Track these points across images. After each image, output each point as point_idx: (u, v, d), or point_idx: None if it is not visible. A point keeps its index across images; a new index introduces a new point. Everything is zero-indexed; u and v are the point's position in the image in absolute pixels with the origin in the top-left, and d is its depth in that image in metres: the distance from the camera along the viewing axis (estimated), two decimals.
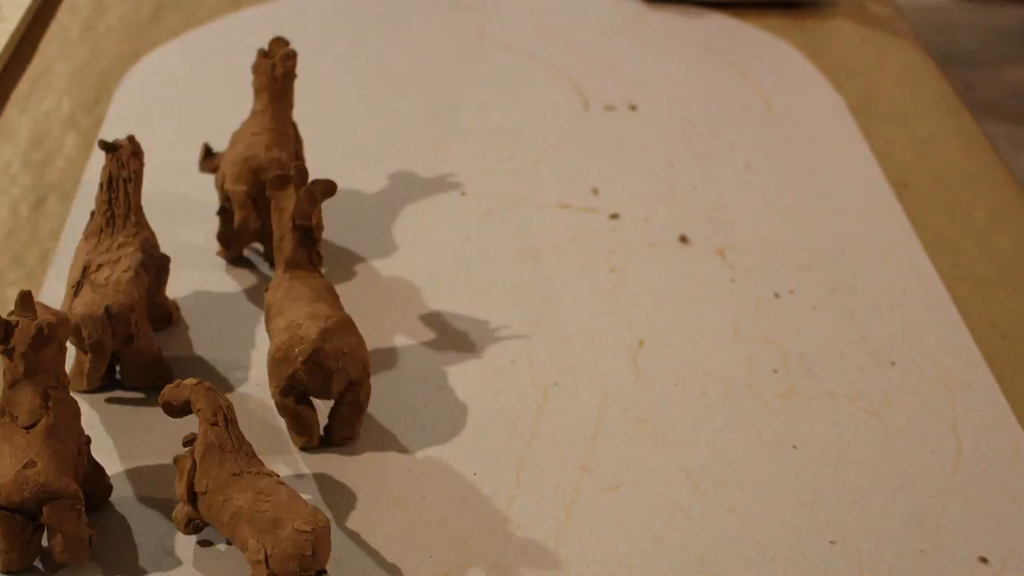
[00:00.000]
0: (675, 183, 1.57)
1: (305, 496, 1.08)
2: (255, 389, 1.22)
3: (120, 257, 1.20)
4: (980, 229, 1.51)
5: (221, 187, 1.35)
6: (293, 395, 1.14)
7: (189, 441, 1.04)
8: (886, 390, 1.26)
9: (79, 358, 1.20)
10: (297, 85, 1.42)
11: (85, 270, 1.19)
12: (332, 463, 1.15)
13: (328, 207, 1.36)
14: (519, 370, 1.26)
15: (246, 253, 1.39)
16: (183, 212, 1.45)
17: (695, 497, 1.13)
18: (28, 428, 1.02)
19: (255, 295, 1.34)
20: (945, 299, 1.39)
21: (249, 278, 1.36)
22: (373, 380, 1.20)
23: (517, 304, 1.35)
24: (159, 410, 1.11)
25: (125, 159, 1.23)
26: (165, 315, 1.28)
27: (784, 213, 1.52)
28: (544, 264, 1.42)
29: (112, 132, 1.57)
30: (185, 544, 1.06)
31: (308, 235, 1.20)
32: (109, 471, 1.11)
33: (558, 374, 1.26)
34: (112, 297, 1.17)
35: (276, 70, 1.39)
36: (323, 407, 1.17)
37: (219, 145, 1.43)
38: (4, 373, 1.05)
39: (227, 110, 1.58)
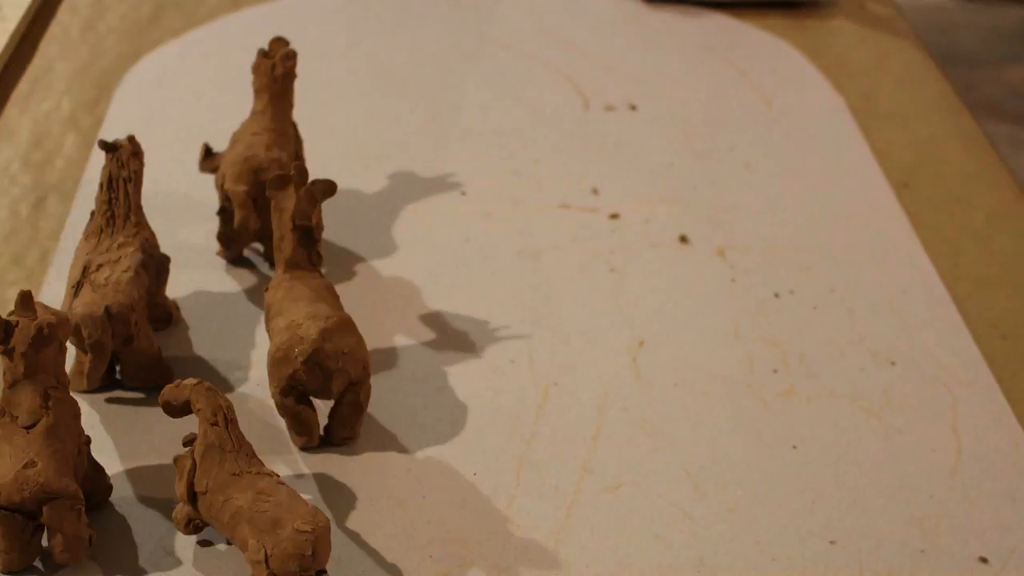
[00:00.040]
0: (675, 183, 1.57)
1: (305, 496, 1.08)
2: (255, 389, 1.22)
3: (120, 257, 1.20)
4: (980, 229, 1.51)
5: (221, 187, 1.35)
6: (293, 395, 1.14)
7: (189, 441, 1.04)
8: (886, 390, 1.26)
9: (79, 358, 1.20)
10: (297, 85, 1.42)
11: (85, 270, 1.19)
12: (332, 463, 1.15)
13: (328, 207, 1.36)
14: (519, 370, 1.26)
15: (246, 253, 1.39)
16: (183, 212, 1.45)
17: (695, 497, 1.13)
18: (28, 428, 1.02)
19: (255, 295, 1.34)
20: (945, 299, 1.39)
21: (249, 278, 1.36)
22: (373, 380, 1.20)
23: (517, 304, 1.35)
24: (159, 410, 1.11)
25: (125, 159, 1.23)
26: (165, 315, 1.28)
27: (784, 213, 1.52)
28: (544, 264, 1.42)
29: (112, 132, 1.57)
30: (185, 544, 1.06)
31: (308, 235, 1.20)
32: (109, 471, 1.11)
33: (558, 374, 1.26)
34: (112, 297, 1.16)
35: (276, 70, 1.39)
36: (323, 407, 1.17)
37: (219, 145, 1.43)
38: (4, 373, 1.04)
39: (227, 110, 1.58)
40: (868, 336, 1.33)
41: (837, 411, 1.23)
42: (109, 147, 1.23)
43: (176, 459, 1.05)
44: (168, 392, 1.06)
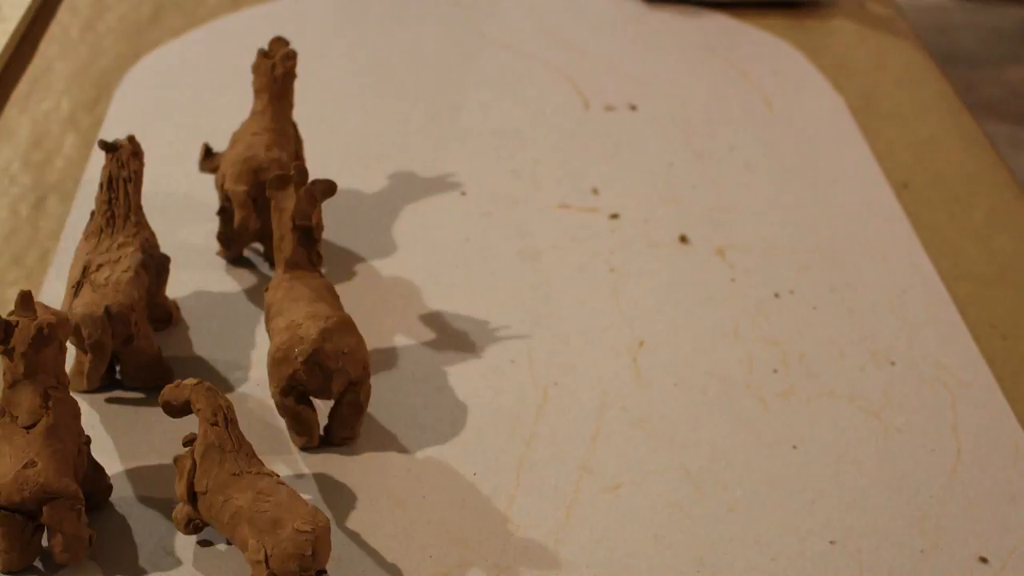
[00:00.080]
0: (675, 183, 1.57)
1: (305, 496, 1.08)
2: (255, 389, 1.22)
3: (120, 257, 1.20)
4: (980, 229, 1.51)
5: (221, 187, 1.35)
6: (293, 395, 1.14)
7: (189, 441, 1.04)
8: (886, 390, 1.26)
9: (79, 358, 1.20)
10: (297, 85, 1.42)
11: (85, 270, 1.19)
12: (332, 463, 1.15)
13: (328, 207, 1.36)
14: (519, 370, 1.26)
15: (246, 253, 1.39)
16: (183, 212, 1.45)
17: (695, 497, 1.13)
18: (28, 428, 1.02)
19: (255, 295, 1.34)
20: (945, 299, 1.39)
21: (249, 278, 1.36)
22: (373, 380, 1.20)
23: (517, 304, 1.35)
24: (159, 410, 1.11)
25: (125, 159, 1.23)
26: (165, 315, 1.28)
27: (784, 213, 1.52)
28: (544, 264, 1.42)
29: (112, 132, 1.57)
30: (185, 544, 1.06)
31: (308, 235, 1.20)
32: (109, 471, 1.11)
33: (558, 374, 1.26)
34: (112, 297, 1.16)
35: (276, 70, 1.39)
36: (324, 407, 1.17)
37: (219, 145, 1.43)
38: (4, 373, 1.04)
39: (227, 110, 1.58)
40: (868, 336, 1.33)
41: (837, 411, 1.23)
42: (109, 147, 1.23)
43: (176, 459, 1.05)
44: (168, 392, 1.06)
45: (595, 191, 1.54)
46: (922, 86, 1.81)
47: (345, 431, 1.16)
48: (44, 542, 1.05)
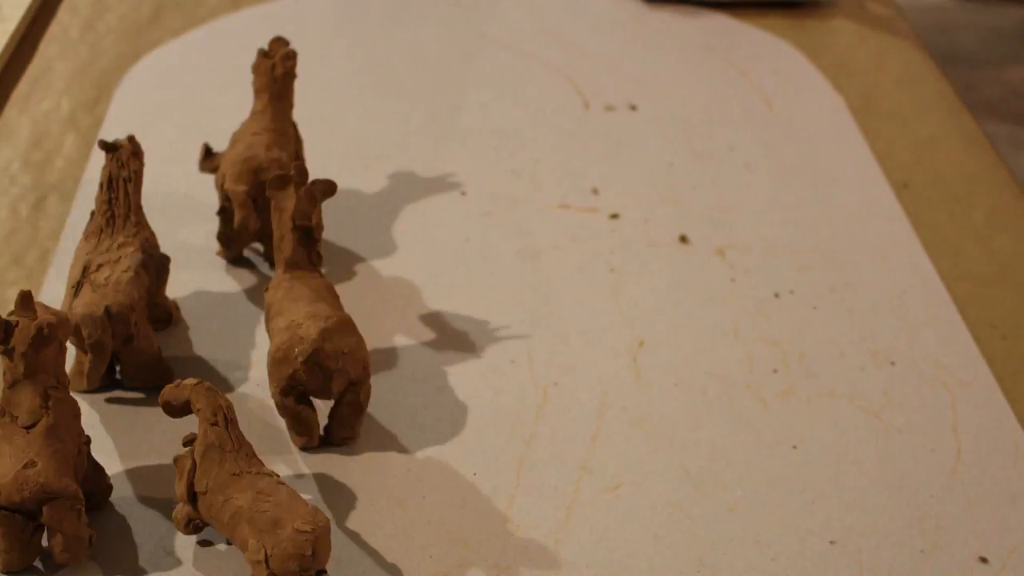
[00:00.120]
0: (675, 183, 1.57)
1: (305, 496, 1.08)
2: (255, 389, 1.22)
3: (120, 257, 1.21)
4: (980, 229, 1.51)
5: (221, 187, 1.35)
6: (293, 395, 1.14)
7: (189, 441, 1.04)
8: (886, 390, 1.26)
9: (79, 358, 1.20)
10: (297, 85, 1.42)
11: (85, 270, 1.19)
12: (332, 463, 1.15)
13: (328, 207, 1.36)
14: (519, 370, 1.26)
15: (246, 253, 1.39)
16: (183, 212, 1.45)
17: (695, 497, 1.13)
18: (28, 428, 1.02)
19: (255, 295, 1.34)
20: (945, 299, 1.39)
21: (249, 278, 1.36)
22: (373, 380, 1.20)
23: (517, 304, 1.35)
24: (159, 410, 1.11)
25: (125, 159, 1.23)
26: (165, 315, 1.28)
27: (784, 213, 1.52)
28: (544, 264, 1.42)
29: (112, 132, 1.57)
30: (185, 544, 1.06)
31: (308, 235, 1.20)
32: (109, 471, 1.11)
33: (558, 374, 1.26)
34: (112, 297, 1.17)
35: (276, 70, 1.39)
36: (323, 407, 1.17)
37: (219, 145, 1.43)
38: (4, 373, 1.05)
39: (227, 110, 1.58)
40: (868, 336, 1.33)
41: (837, 411, 1.23)
42: (109, 147, 1.23)
43: (176, 459, 1.05)
44: (168, 392, 1.06)
45: (595, 191, 1.54)
46: (922, 86, 1.81)
47: (345, 431, 1.16)
48: (44, 542, 1.05)
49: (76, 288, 1.19)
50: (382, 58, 1.81)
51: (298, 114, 1.44)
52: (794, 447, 1.19)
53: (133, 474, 1.13)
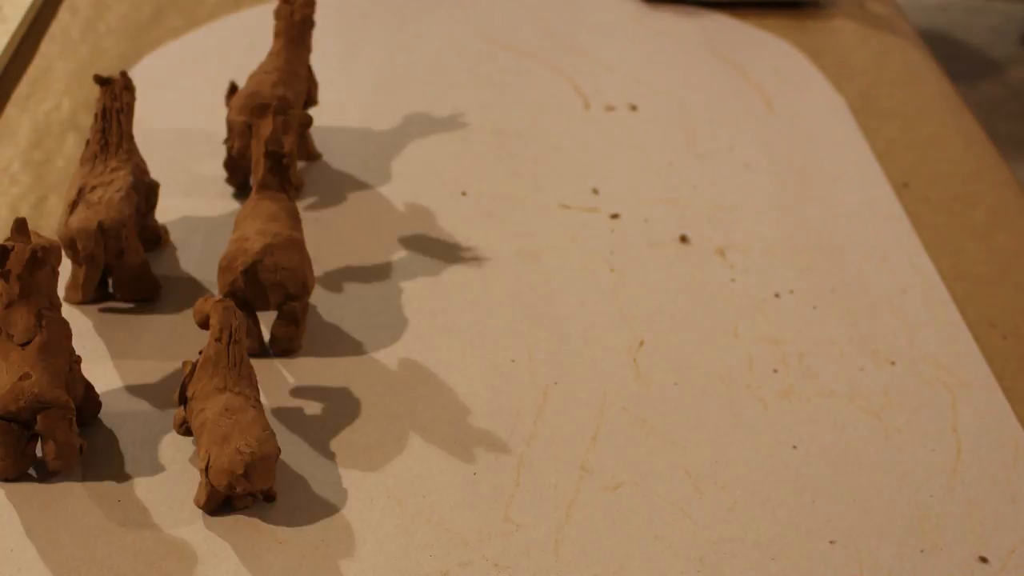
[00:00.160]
0: (675, 183, 1.57)
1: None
2: None
3: (113, 180, 1.29)
4: (980, 229, 1.51)
5: (228, 119, 1.44)
6: (235, 302, 1.20)
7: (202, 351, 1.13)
8: (886, 390, 1.26)
9: (74, 272, 1.29)
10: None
11: (80, 191, 1.28)
12: (332, 463, 1.15)
13: (328, 207, 1.36)
14: (519, 370, 1.26)
15: None
16: (184, 211, 1.45)
17: (695, 497, 1.13)
18: (23, 345, 1.08)
19: None
20: (945, 299, 1.39)
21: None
22: (374, 380, 1.20)
23: (517, 304, 1.35)
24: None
25: (118, 91, 1.33)
26: (155, 237, 1.37)
27: (784, 213, 1.52)
28: (544, 264, 1.42)
29: None
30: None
31: (279, 161, 1.26)
32: (99, 388, 1.17)
33: (558, 374, 1.26)
34: (105, 213, 1.26)
35: (295, 15, 1.46)
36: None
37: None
38: (0, 295, 1.10)
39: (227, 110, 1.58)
40: (868, 336, 1.33)
41: (837, 411, 1.23)
42: (103, 81, 1.32)
43: (184, 363, 1.13)
44: (197, 305, 1.16)
45: (595, 191, 1.54)
46: (922, 86, 1.81)
47: (283, 343, 1.24)
48: (38, 453, 1.11)
49: (72, 207, 1.27)
50: (382, 58, 1.81)
51: None
52: (794, 447, 1.19)
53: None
